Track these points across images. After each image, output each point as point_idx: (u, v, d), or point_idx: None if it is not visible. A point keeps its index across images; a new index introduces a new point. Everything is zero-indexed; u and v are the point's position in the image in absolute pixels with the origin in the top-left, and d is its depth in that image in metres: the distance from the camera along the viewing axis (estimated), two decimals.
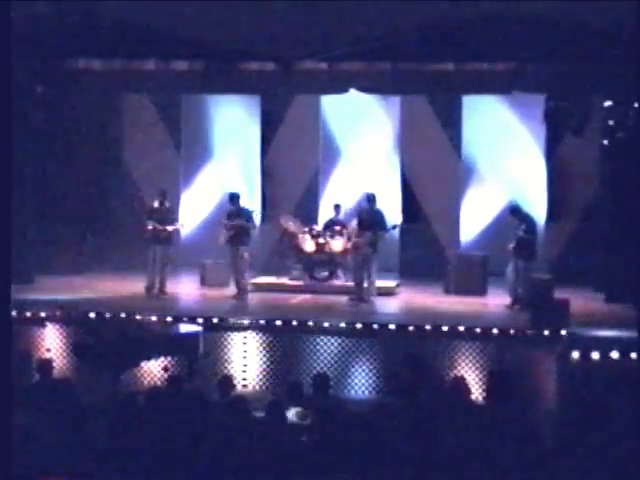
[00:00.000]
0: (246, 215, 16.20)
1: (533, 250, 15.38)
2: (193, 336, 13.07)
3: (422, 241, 18.59)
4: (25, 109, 15.97)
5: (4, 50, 6.72)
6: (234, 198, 16.26)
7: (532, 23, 14.74)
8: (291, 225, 17.49)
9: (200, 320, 13.98)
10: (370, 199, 15.98)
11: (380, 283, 16.21)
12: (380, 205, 16.20)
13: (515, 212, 15.59)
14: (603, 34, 14.45)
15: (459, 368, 13.40)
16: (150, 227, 16.14)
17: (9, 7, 6.83)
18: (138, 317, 14.27)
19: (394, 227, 16.62)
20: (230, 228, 15.98)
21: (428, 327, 13.82)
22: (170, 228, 16.30)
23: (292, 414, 9.77)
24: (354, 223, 16.25)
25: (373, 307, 15.65)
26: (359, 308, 15.45)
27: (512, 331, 13.64)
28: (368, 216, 15.88)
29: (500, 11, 14.65)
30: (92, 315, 14.39)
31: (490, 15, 14.81)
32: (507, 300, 15.46)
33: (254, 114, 19.46)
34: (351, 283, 16.60)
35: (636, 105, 15.42)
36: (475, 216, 18.70)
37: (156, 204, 16.41)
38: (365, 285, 15.81)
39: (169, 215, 16.49)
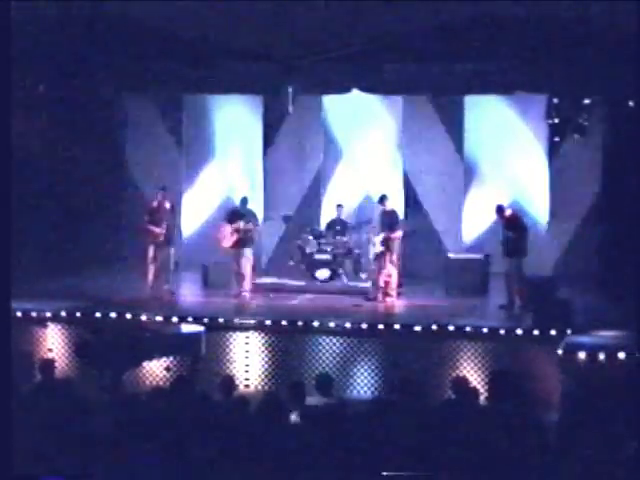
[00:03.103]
0: (250, 217, 16.31)
1: (522, 247, 15.36)
2: (195, 336, 13.10)
3: (424, 241, 18.57)
4: (27, 108, 15.97)
5: (4, 50, 6.73)
6: (244, 201, 16.46)
7: (534, 23, 14.74)
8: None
9: (202, 320, 14.00)
10: (382, 200, 16.20)
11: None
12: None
13: (499, 212, 15.66)
14: (604, 34, 14.44)
15: (461, 368, 13.41)
16: (150, 227, 16.23)
17: (9, 7, 6.83)
18: (140, 317, 14.29)
19: (413, 232, 16.67)
20: (235, 231, 16.03)
21: (429, 327, 13.84)
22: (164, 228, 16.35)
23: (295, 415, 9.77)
24: (373, 223, 16.56)
25: (375, 307, 15.67)
26: (361, 308, 15.47)
27: (513, 331, 13.65)
28: (381, 216, 16.11)
29: (502, 11, 14.65)
30: (94, 315, 14.41)
31: (492, 15, 14.81)
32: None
33: (256, 114, 19.45)
34: (353, 283, 16.68)
35: (637, 105, 15.42)
36: (477, 216, 18.69)
37: (155, 204, 16.44)
38: (382, 285, 15.89)
39: (169, 215, 16.51)
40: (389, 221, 15.99)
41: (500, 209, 15.67)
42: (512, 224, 15.43)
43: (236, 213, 16.40)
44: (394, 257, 16.04)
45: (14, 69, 7.04)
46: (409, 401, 9.84)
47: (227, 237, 16.15)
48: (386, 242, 15.88)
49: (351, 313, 14.96)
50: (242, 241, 16.07)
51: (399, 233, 16.10)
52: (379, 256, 15.96)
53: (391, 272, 15.99)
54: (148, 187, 18.77)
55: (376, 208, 16.80)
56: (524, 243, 15.39)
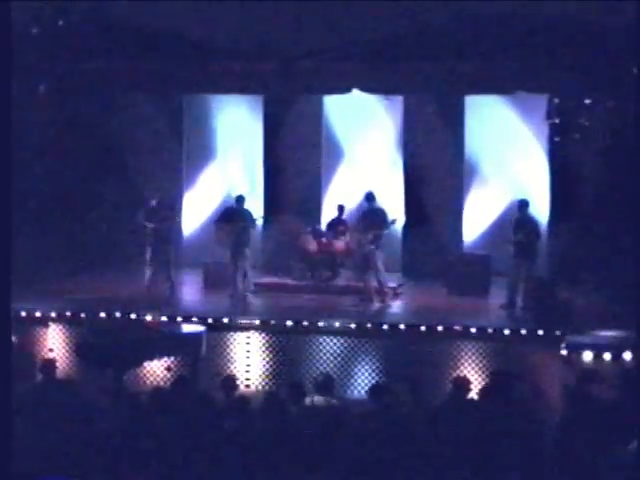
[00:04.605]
0: (247, 216, 16.30)
1: (536, 251, 15.44)
2: (196, 336, 13.10)
3: (425, 241, 18.57)
4: (27, 109, 15.96)
5: (5, 50, 6.73)
6: (240, 200, 16.40)
7: (534, 23, 14.74)
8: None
9: (203, 320, 14.00)
10: (369, 198, 16.08)
11: None
12: (383, 205, 16.25)
13: (524, 206, 15.63)
14: (604, 34, 14.44)
15: (461, 368, 13.41)
16: (144, 223, 16.28)
17: (9, 7, 6.83)
18: (141, 317, 14.29)
19: (392, 222, 16.49)
20: (233, 230, 16.03)
21: (430, 327, 13.84)
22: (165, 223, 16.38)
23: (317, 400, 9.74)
24: (357, 223, 16.40)
25: (376, 307, 15.67)
26: (362, 308, 15.47)
27: (514, 331, 13.64)
28: (369, 215, 15.97)
29: (502, 11, 14.66)
30: (95, 315, 14.41)
31: (492, 15, 14.82)
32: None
33: (257, 114, 19.45)
34: (354, 283, 16.66)
35: (637, 105, 15.41)
36: (478, 216, 18.69)
37: (153, 203, 16.46)
38: (375, 284, 15.84)
39: (166, 213, 16.53)
40: (379, 219, 15.92)
41: (525, 204, 15.65)
42: (528, 226, 15.42)
43: (231, 212, 16.37)
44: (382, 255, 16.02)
45: (14, 69, 7.03)
46: (408, 401, 9.86)
47: (224, 236, 16.17)
48: (375, 241, 15.81)
49: (351, 313, 14.96)
50: (240, 240, 16.05)
51: (386, 230, 16.06)
52: (368, 255, 15.86)
53: (382, 270, 15.92)
54: (148, 187, 18.75)
55: (358, 208, 16.81)
56: (536, 247, 15.43)
